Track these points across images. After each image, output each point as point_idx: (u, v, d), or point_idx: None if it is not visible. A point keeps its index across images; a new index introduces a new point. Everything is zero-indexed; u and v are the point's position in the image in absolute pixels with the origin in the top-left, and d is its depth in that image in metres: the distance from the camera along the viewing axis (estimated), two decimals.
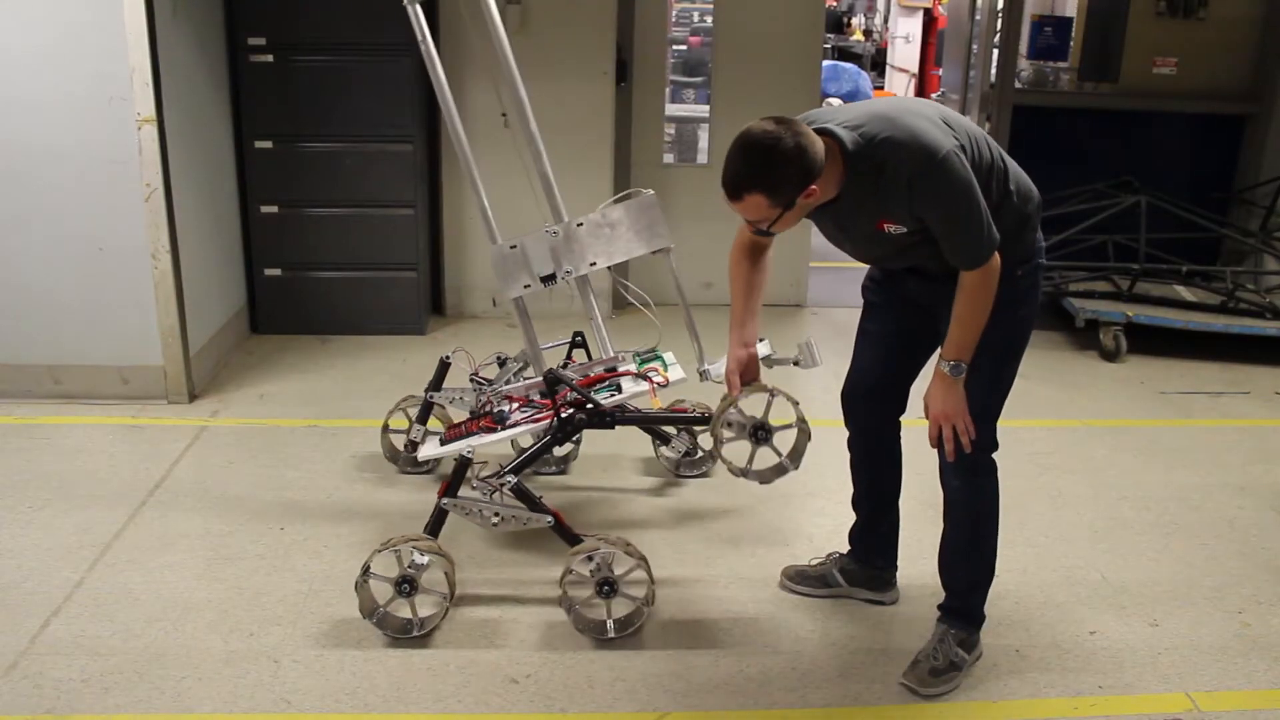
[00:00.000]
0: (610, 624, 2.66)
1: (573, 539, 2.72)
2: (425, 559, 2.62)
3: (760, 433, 2.72)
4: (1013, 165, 2.44)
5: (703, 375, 3.04)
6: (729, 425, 2.71)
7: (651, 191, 3.09)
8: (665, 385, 3.07)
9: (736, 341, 2.63)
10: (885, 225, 2.31)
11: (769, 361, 2.82)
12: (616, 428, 3.03)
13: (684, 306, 3.17)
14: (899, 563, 2.90)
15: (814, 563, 2.95)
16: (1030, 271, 2.46)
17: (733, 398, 2.63)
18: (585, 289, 3.24)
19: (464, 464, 2.77)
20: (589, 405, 2.95)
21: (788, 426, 2.74)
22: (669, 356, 3.24)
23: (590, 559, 2.62)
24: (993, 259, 2.28)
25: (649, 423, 3.05)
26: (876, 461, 2.80)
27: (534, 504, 2.74)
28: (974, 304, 2.31)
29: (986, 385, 2.43)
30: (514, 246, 3.09)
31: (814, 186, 2.21)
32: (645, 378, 3.09)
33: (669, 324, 3.23)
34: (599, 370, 3.19)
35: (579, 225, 3.09)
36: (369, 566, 2.59)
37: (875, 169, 2.23)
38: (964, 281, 2.30)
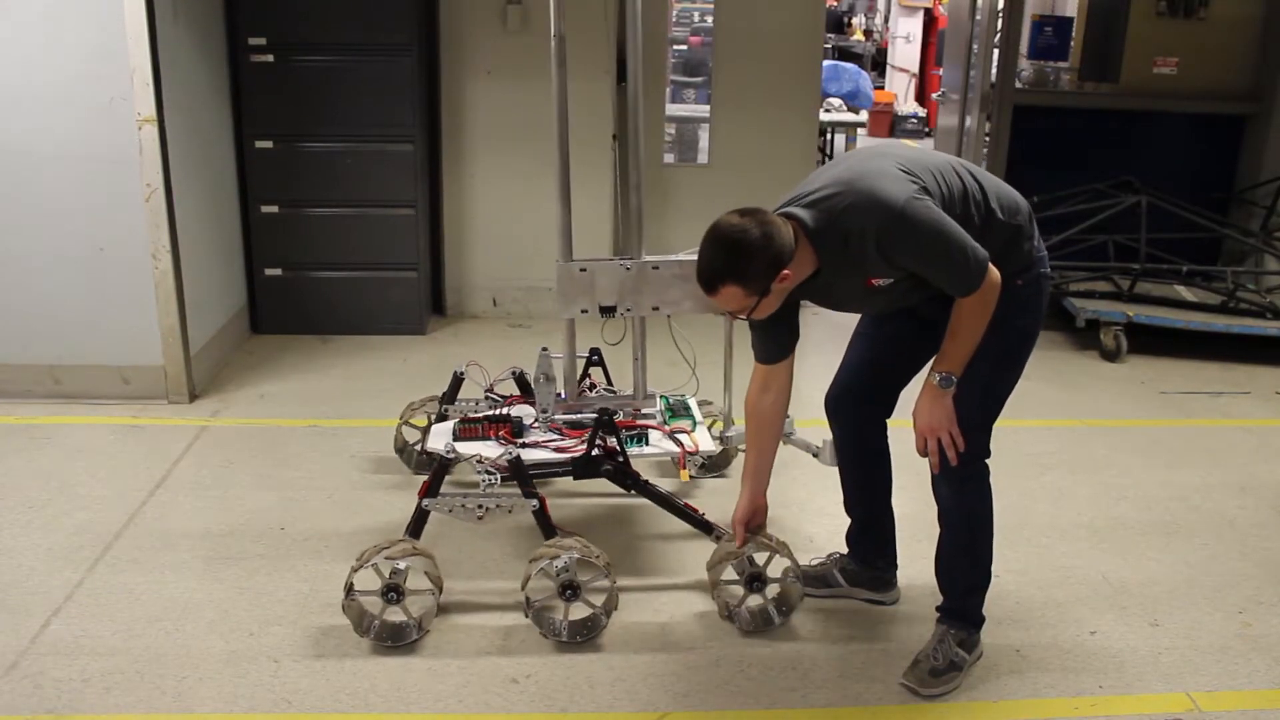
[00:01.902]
0: (565, 625, 2.65)
1: (550, 530, 2.73)
2: (404, 564, 2.61)
3: (755, 584, 2.72)
4: (991, 182, 2.43)
5: (723, 440, 3.02)
6: (726, 569, 2.73)
7: None
8: (695, 454, 3.06)
9: (748, 493, 2.67)
10: (873, 281, 2.33)
11: (788, 440, 2.83)
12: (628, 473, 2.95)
13: (726, 366, 3.21)
14: (899, 561, 2.90)
15: (815, 563, 2.95)
16: (1032, 281, 2.44)
17: (737, 547, 2.66)
18: (641, 329, 3.17)
19: (444, 466, 2.77)
20: (620, 459, 2.91)
21: (779, 580, 2.72)
22: (697, 412, 3.24)
23: (557, 559, 2.60)
24: (989, 278, 2.27)
25: (661, 504, 2.95)
26: (865, 463, 2.80)
27: (528, 486, 2.74)
28: (971, 320, 2.32)
29: (979, 393, 2.42)
30: (584, 270, 3.02)
31: (786, 271, 2.26)
32: (675, 439, 3.06)
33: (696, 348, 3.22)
34: (629, 416, 3.15)
35: (655, 268, 3.02)
36: (352, 585, 2.58)
37: (842, 239, 2.27)
38: (962, 300, 2.31)
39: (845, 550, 2.92)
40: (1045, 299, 2.51)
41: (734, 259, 2.24)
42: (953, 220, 2.26)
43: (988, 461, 2.52)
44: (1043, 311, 2.51)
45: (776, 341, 2.52)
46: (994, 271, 2.29)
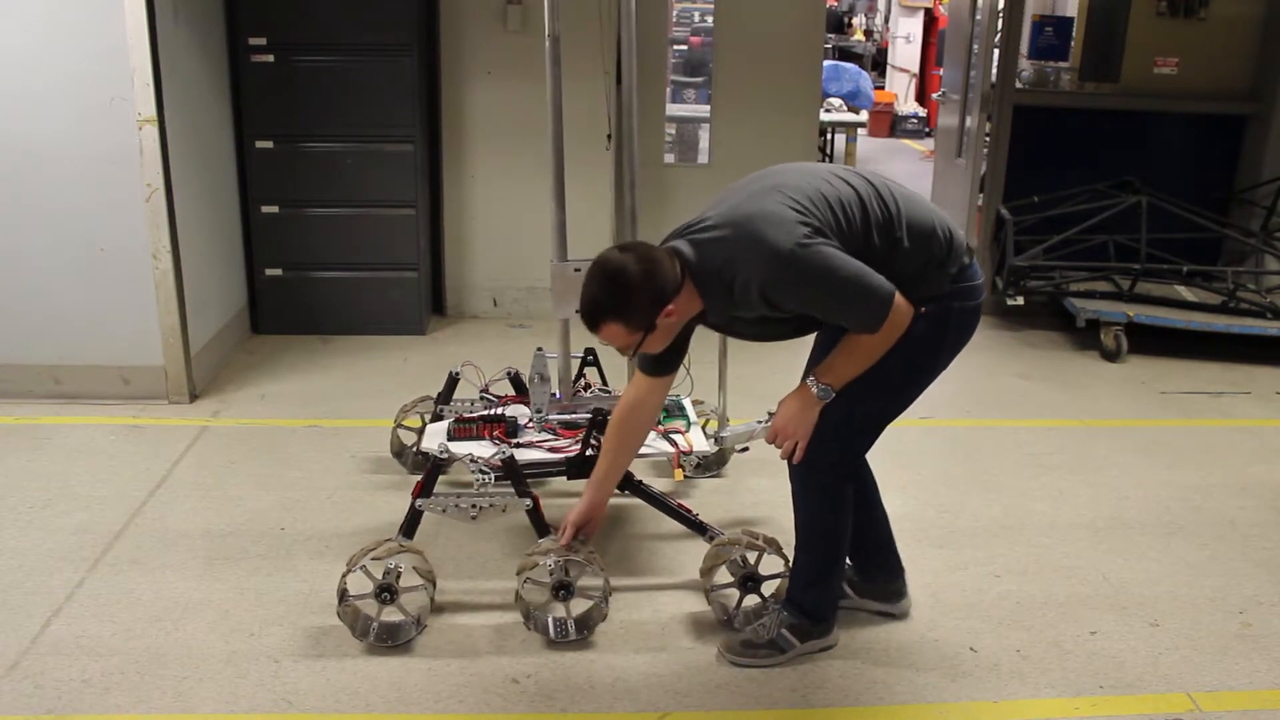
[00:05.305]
0: (571, 624, 2.66)
1: (543, 529, 2.73)
2: (394, 562, 2.61)
3: (750, 584, 2.71)
4: (907, 208, 2.31)
5: (718, 440, 3.03)
6: (720, 571, 2.74)
7: None
8: (689, 454, 3.05)
9: (589, 498, 2.64)
10: (770, 313, 2.27)
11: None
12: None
13: (721, 365, 3.20)
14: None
15: None
16: (937, 314, 2.32)
17: (559, 544, 2.62)
18: None
19: (437, 466, 2.78)
20: None
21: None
22: (691, 412, 3.24)
23: (548, 558, 2.60)
24: (893, 315, 2.20)
25: (655, 505, 2.92)
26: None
27: (521, 485, 2.74)
28: (869, 344, 2.26)
29: (843, 408, 2.35)
30: (578, 269, 3.00)
31: (671, 308, 2.22)
32: (669, 439, 3.06)
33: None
34: None
35: None
36: (345, 590, 2.58)
37: (726, 287, 2.22)
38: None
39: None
40: (953, 333, 2.38)
41: (613, 296, 2.20)
42: (849, 259, 2.17)
43: (863, 467, 2.47)
44: (946, 346, 2.40)
45: (660, 358, 2.45)
46: (901, 306, 2.21)
